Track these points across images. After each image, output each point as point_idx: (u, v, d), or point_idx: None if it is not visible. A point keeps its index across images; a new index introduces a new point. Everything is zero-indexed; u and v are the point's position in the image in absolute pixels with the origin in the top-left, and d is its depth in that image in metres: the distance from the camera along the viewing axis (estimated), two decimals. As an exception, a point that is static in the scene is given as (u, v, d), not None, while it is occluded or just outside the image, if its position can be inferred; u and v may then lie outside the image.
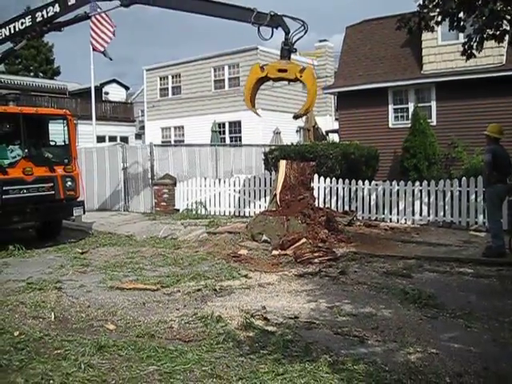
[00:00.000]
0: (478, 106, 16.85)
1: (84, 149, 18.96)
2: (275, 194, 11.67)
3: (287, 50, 11.21)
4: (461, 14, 8.90)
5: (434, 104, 18.26)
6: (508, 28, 9.04)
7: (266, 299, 6.87)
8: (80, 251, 10.82)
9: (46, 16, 11.44)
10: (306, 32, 11.45)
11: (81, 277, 8.51)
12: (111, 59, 24.53)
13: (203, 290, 7.34)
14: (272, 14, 11.32)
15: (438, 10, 8.89)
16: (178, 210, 16.13)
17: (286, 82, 11.90)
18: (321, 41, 33.90)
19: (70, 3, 11.27)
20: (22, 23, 11.71)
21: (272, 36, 11.58)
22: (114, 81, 40.37)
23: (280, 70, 11.01)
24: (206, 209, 15.77)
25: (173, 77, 32.39)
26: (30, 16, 11.76)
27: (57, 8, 11.30)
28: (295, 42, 11.37)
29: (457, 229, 12.05)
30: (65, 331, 5.69)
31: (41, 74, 47.50)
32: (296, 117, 11.84)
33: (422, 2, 8.97)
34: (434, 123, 17.81)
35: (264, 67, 11.19)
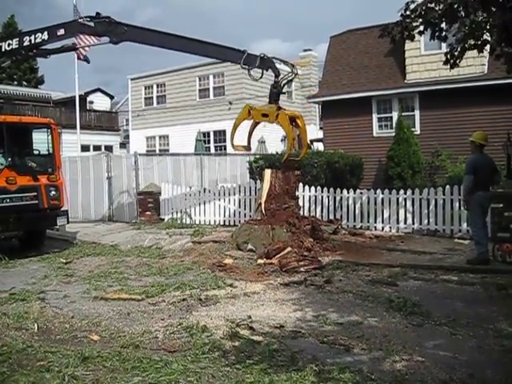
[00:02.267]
0: (461, 115, 17.02)
1: (68, 158, 18.87)
2: (260, 203, 11.67)
3: (276, 93, 11.34)
4: (443, 24, 9.01)
5: (417, 113, 18.42)
6: (489, 38, 9.17)
7: (251, 308, 6.85)
8: (64, 261, 10.72)
9: (33, 41, 11.37)
10: (295, 75, 11.67)
11: (65, 287, 8.44)
12: (88, 62, 24.62)
13: (188, 299, 7.31)
14: (262, 56, 11.45)
15: (420, 19, 9.00)
16: (163, 220, 16.05)
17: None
18: (305, 50, 34.11)
19: (58, 33, 11.23)
20: (9, 44, 11.63)
21: (262, 76, 11.74)
22: (98, 90, 40.18)
23: (263, 115, 11.24)
24: (191, 218, 15.72)
25: (158, 86, 32.36)
26: (17, 39, 11.69)
27: (45, 35, 11.24)
28: (284, 84, 11.52)
29: (441, 237, 12.12)
30: (48, 342, 5.62)
31: (25, 83, 47.10)
32: (284, 161, 12.01)
33: (404, 12, 9.06)
34: (418, 132, 17.96)
35: (251, 111, 11.43)
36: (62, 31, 11.23)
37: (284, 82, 11.55)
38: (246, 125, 11.78)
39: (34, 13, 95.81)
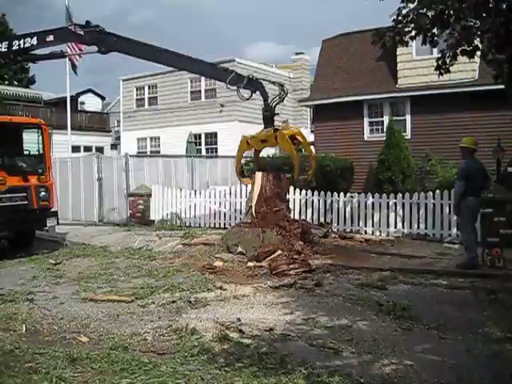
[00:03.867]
0: (452, 120, 17.10)
1: (59, 159, 18.79)
2: (251, 206, 11.67)
3: (269, 116, 11.38)
4: (434, 30, 9.06)
5: (408, 117, 18.49)
6: (480, 44, 9.22)
7: (241, 311, 6.84)
8: (53, 262, 10.66)
9: (22, 46, 11.29)
10: (286, 95, 11.72)
11: (54, 288, 8.39)
12: (76, 73, 24.85)
13: (178, 301, 7.28)
14: (250, 77, 11.50)
15: (412, 25, 9.04)
16: (154, 221, 16.01)
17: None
18: (297, 53, 34.11)
19: (47, 39, 11.16)
20: None
21: (251, 96, 11.80)
22: (90, 90, 40.06)
23: (262, 141, 11.28)
24: (181, 220, 15.69)
25: (149, 87, 32.29)
26: (6, 42, 11.63)
27: (34, 41, 11.17)
28: (275, 105, 11.55)
29: (431, 241, 12.17)
30: (36, 344, 5.58)
31: (16, 83, 46.91)
32: (293, 183, 12.23)
33: (396, 17, 9.10)
34: (409, 136, 18.02)
35: (249, 141, 11.57)
36: (51, 37, 11.17)
37: (274, 103, 11.60)
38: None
39: (28, 12, 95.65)
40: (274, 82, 12.21)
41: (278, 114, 11.75)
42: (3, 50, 11.51)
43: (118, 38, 11.06)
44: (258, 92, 11.68)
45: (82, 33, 10.99)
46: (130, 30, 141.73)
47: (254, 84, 11.58)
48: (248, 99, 11.93)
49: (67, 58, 23.93)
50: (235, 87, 11.50)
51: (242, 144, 11.67)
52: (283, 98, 11.79)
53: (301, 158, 11.74)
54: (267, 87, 11.84)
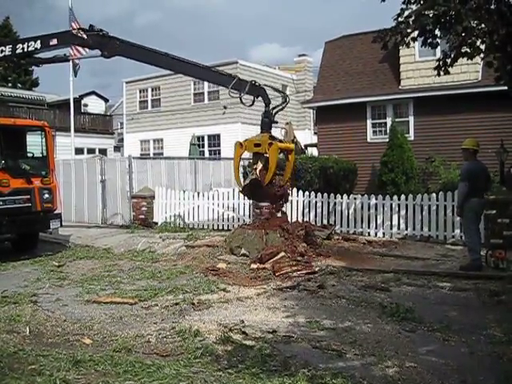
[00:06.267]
0: (455, 122, 17.09)
1: (62, 161, 18.81)
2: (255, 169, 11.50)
3: (267, 122, 11.35)
4: (436, 31, 9.07)
5: (411, 119, 18.47)
6: (482, 46, 9.23)
7: (244, 313, 6.84)
8: (57, 264, 10.69)
9: (26, 49, 11.32)
10: (286, 104, 11.68)
11: (57, 290, 8.41)
12: (75, 75, 25.00)
13: (181, 303, 7.29)
14: (253, 82, 11.47)
15: (414, 26, 9.05)
16: (157, 223, 16.02)
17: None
18: (300, 55, 34.15)
19: (51, 43, 11.19)
20: (2, 51, 11.60)
21: (253, 103, 11.77)
22: (93, 93, 40.15)
23: (256, 145, 11.21)
24: (184, 222, 15.69)
25: (152, 89, 32.33)
26: (10, 46, 11.66)
27: (38, 44, 11.20)
28: (276, 113, 11.52)
29: (434, 242, 12.15)
30: (40, 346, 5.60)
31: (19, 85, 47.06)
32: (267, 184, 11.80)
33: (398, 18, 9.10)
34: (412, 138, 18.00)
35: (243, 144, 11.41)
36: (54, 41, 11.20)
37: (275, 111, 11.58)
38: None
39: (33, 15, 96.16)
40: (277, 90, 12.22)
41: (276, 122, 11.73)
42: (7, 53, 11.55)
43: (121, 43, 11.08)
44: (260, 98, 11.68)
45: (85, 37, 11.01)
46: (135, 32, 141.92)
47: (256, 90, 11.58)
48: (251, 105, 11.93)
49: (70, 62, 24.12)
50: (237, 92, 11.48)
51: (236, 149, 11.63)
52: (284, 107, 11.79)
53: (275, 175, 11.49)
54: (269, 92, 11.83)
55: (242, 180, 11.98)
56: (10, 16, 48.94)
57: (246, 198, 12.54)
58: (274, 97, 12.15)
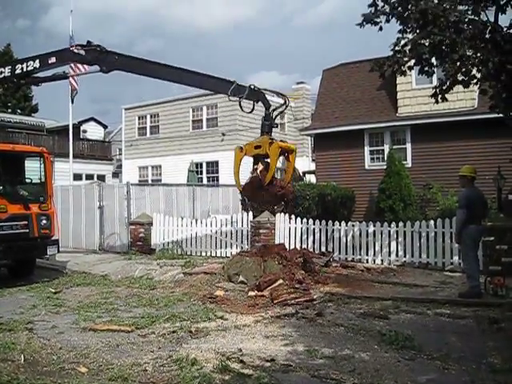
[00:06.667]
0: (452, 148, 17.19)
1: (60, 187, 18.81)
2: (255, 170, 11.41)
3: (268, 125, 11.38)
4: (433, 59, 9.20)
5: (409, 146, 18.57)
6: (477, 74, 9.35)
7: (242, 341, 6.78)
8: (53, 291, 10.61)
9: (25, 69, 11.40)
10: (287, 107, 11.71)
11: (53, 317, 8.33)
12: (72, 101, 25.25)
13: (178, 331, 7.23)
14: (252, 87, 11.51)
15: (411, 54, 9.16)
16: (154, 250, 15.96)
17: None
18: (298, 83, 34.43)
19: (50, 61, 11.28)
20: (1, 72, 11.69)
21: (253, 109, 11.79)
22: (92, 119, 40.30)
23: (256, 147, 11.21)
24: (182, 249, 15.64)
25: (151, 116, 32.51)
26: (9, 66, 11.76)
27: (37, 63, 11.29)
28: (276, 116, 11.54)
29: (433, 269, 12.12)
30: (34, 374, 5.53)
31: (19, 111, 47.34)
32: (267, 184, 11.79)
33: (395, 47, 9.22)
34: (410, 165, 18.08)
35: (243, 147, 11.41)
36: (53, 59, 11.29)
37: (275, 113, 11.59)
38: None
39: (35, 42, 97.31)
40: (277, 93, 12.20)
41: (276, 125, 11.72)
42: (6, 74, 11.63)
43: (118, 56, 11.13)
44: (260, 103, 11.68)
45: (83, 53, 11.07)
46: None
47: (255, 94, 11.59)
48: (251, 112, 11.92)
49: (69, 87, 24.36)
50: (237, 98, 11.48)
51: (236, 153, 11.57)
52: (284, 110, 11.80)
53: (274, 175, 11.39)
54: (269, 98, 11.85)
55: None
56: (10, 43, 49.51)
57: (246, 198, 12.33)
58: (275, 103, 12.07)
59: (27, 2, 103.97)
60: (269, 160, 11.05)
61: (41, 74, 12.07)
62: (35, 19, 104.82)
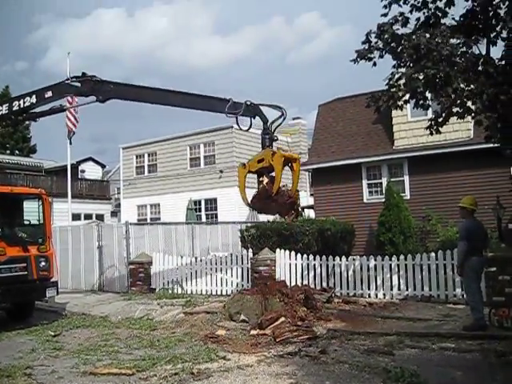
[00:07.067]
0: (450, 179, 17.27)
1: (59, 227, 18.78)
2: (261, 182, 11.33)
3: (268, 138, 11.42)
4: (427, 93, 9.31)
5: (406, 178, 18.64)
6: (472, 106, 9.45)
7: (245, 382, 6.66)
8: (52, 334, 10.48)
9: (22, 106, 11.49)
10: (284, 118, 11.74)
11: (53, 361, 8.21)
12: (70, 143, 25.45)
13: (180, 373, 7.10)
14: (248, 103, 11.58)
15: (405, 89, 9.27)
16: (155, 290, 15.82)
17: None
18: (294, 118, 34.79)
19: (46, 96, 11.38)
20: None
21: (251, 126, 11.85)
22: (90, 159, 40.55)
23: (259, 161, 11.20)
24: (182, 288, 15.50)
25: (149, 155, 32.70)
26: (7, 104, 11.86)
27: (33, 99, 11.38)
28: (275, 129, 11.60)
29: (436, 302, 11.99)
30: (34, 422, 5.41)
31: (17, 152, 47.61)
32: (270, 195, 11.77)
33: (389, 82, 9.34)
34: (408, 197, 18.12)
35: (245, 164, 11.36)
36: (49, 93, 11.37)
37: (274, 126, 11.59)
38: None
39: (33, 83, 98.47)
40: (272, 106, 12.22)
41: (276, 139, 11.71)
42: (4, 112, 11.71)
43: (114, 85, 11.17)
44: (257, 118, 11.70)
45: (78, 84, 11.13)
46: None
47: (252, 109, 11.62)
48: (248, 130, 11.90)
49: (66, 130, 24.61)
50: (234, 116, 11.49)
51: (239, 171, 11.51)
52: (282, 122, 11.80)
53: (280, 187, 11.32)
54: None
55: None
56: (9, 85, 50.00)
57: (255, 211, 12.18)
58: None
59: (26, 45, 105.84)
60: (273, 174, 11.02)
61: (37, 109, 12.16)
62: (33, 60, 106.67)
